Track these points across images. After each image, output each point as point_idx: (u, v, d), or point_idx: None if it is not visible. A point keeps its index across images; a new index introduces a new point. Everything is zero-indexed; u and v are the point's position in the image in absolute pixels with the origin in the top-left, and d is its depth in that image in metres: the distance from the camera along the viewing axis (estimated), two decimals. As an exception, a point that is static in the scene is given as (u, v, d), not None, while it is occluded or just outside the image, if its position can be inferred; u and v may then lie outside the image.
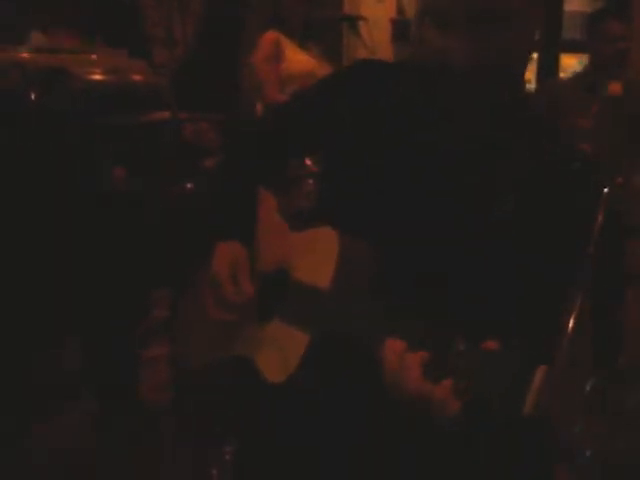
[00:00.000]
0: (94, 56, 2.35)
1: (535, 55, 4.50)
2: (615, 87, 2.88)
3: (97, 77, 2.32)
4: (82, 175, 2.20)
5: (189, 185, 2.42)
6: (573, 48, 5.00)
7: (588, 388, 0.75)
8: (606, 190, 2.67)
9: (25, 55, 2.24)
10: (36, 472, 2.17)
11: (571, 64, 5.55)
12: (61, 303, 2.33)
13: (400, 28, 4.08)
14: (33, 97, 2.01)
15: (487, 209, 0.97)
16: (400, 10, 4.29)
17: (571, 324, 2.16)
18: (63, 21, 2.32)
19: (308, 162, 1.30)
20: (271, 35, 2.86)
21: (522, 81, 1.07)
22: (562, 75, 4.99)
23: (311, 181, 1.56)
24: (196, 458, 2.24)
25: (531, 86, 5.71)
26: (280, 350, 1.04)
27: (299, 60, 2.92)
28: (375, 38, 3.84)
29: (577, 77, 3.36)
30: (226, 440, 2.10)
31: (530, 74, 5.71)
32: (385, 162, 1.04)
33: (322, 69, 2.99)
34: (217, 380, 1.32)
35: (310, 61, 2.96)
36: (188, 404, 2.39)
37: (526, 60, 1.01)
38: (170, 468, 2.24)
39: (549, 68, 4.35)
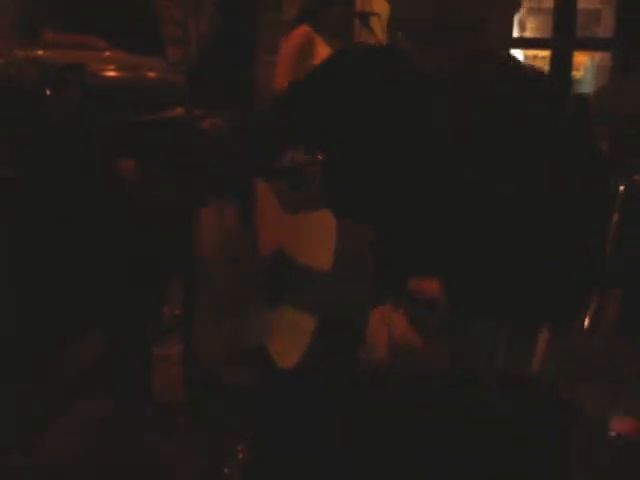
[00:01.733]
0: (109, 53, 2.35)
1: (548, 53, 4.49)
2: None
3: (112, 74, 2.32)
4: (97, 171, 2.20)
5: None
6: (586, 46, 4.97)
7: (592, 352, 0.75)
8: (622, 188, 2.65)
9: (41, 52, 2.24)
10: (50, 470, 2.18)
11: (583, 62, 5.53)
12: (78, 301, 2.33)
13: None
14: (49, 93, 2.01)
15: (487, 187, 0.96)
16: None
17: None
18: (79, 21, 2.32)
19: (306, 151, 1.31)
20: (304, 29, 2.85)
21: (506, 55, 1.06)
22: (575, 73, 4.97)
23: (310, 169, 1.57)
24: (208, 457, 2.24)
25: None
26: (289, 335, 1.04)
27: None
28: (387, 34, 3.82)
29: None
30: (239, 439, 2.10)
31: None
32: (381, 145, 1.04)
33: None
34: (233, 379, 1.32)
35: None
36: (201, 403, 2.39)
37: (506, 45, 1.03)
38: (183, 466, 2.24)
39: (562, 66, 4.32)
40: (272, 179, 1.20)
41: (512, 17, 0.99)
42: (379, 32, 3.46)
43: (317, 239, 1.03)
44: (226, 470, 2.14)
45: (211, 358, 1.26)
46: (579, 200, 0.96)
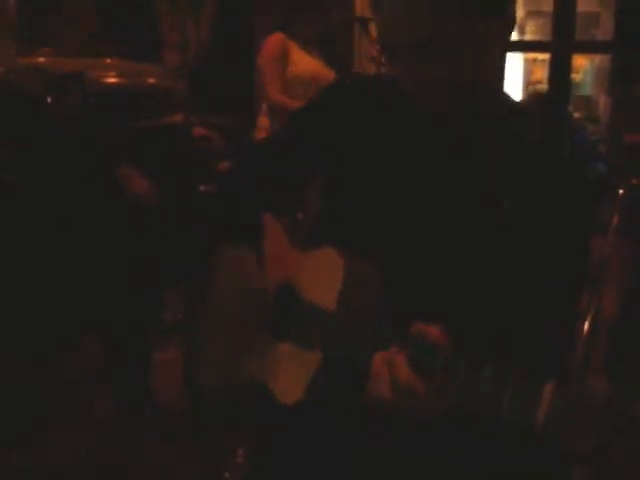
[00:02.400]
0: (109, 60, 2.36)
1: (547, 56, 4.48)
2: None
3: (112, 80, 2.33)
4: (97, 177, 2.21)
5: (202, 187, 2.43)
6: (585, 49, 4.98)
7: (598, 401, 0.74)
8: (621, 192, 2.65)
9: (42, 59, 2.25)
10: (51, 472, 2.18)
11: (583, 65, 5.54)
12: (78, 304, 2.34)
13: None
14: (50, 101, 2.03)
15: (486, 213, 0.96)
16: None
17: (585, 329, 2.16)
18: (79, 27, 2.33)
19: (308, 182, 1.30)
20: (277, 37, 2.88)
21: (496, 86, 1.05)
22: (574, 76, 4.97)
23: (312, 200, 1.56)
24: (209, 460, 2.24)
25: (543, 86, 5.69)
26: (291, 371, 1.04)
27: (304, 63, 2.94)
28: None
29: None
30: (239, 443, 2.11)
31: (542, 74, 5.70)
32: (381, 177, 1.04)
33: (325, 72, 3.01)
34: (233, 398, 1.31)
35: (314, 64, 2.98)
36: (201, 406, 2.39)
37: (493, 66, 0.97)
38: (183, 469, 2.25)
39: (561, 69, 4.32)
40: (279, 213, 1.19)
41: (495, 50, 0.96)
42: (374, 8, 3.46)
43: (323, 277, 1.03)
44: (227, 474, 2.14)
45: (214, 380, 1.25)
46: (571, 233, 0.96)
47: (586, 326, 2.11)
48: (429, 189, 1.00)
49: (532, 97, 5.14)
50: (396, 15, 0.89)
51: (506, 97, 1.07)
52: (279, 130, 1.34)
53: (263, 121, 3.03)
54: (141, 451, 2.27)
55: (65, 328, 2.39)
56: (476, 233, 0.96)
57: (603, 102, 4.87)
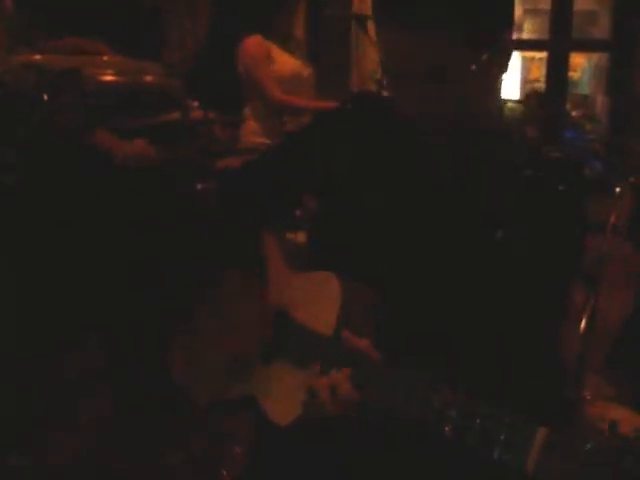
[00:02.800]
0: (106, 57, 2.36)
1: (545, 54, 4.49)
2: None
3: (109, 78, 2.32)
4: (96, 175, 2.20)
5: (200, 186, 2.42)
6: (582, 47, 4.98)
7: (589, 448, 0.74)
8: (618, 190, 2.65)
9: (39, 57, 2.24)
10: (51, 472, 2.18)
11: (580, 63, 5.53)
12: (78, 303, 2.34)
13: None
14: (46, 98, 2.02)
15: (481, 237, 0.97)
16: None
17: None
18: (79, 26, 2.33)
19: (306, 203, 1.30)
20: (256, 39, 2.90)
21: (495, 109, 1.04)
22: (571, 74, 4.97)
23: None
24: (207, 458, 2.24)
25: (540, 85, 5.70)
26: (284, 392, 1.04)
27: (286, 62, 2.96)
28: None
29: None
30: (236, 440, 2.10)
31: (539, 73, 5.70)
32: (375, 202, 1.04)
33: (306, 71, 3.04)
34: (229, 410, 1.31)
35: (296, 63, 3.00)
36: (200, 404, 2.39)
37: (493, 93, 0.99)
38: (183, 469, 2.25)
39: (558, 67, 4.33)
40: (279, 233, 1.20)
41: (497, 78, 0.96)
42: (375, 35, 3.48)
43: (320, 301, 1.03)
44: (224, 472, 2.14)
45: (208, 396, 1.25)
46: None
47: (583, 325, 2.11)
48: (427, 213, 1.01)
49: (530, 96, 5.14)
50: (399, 45, 0.89)
51: (505, 123, 1.08)
52: (275, 148, 1.33)
53: (252, 125, 3.02)
54: (141, 451, 2.27)
55: (65, 328, 2.39)
56: (471, 256, 0.96)
57: (601, 100, 4.87)
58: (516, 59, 6.52)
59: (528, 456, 0.76)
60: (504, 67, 0.95)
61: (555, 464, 0.75)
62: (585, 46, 4.96)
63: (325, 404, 0.94)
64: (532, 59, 6.28)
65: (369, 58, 4.59)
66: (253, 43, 2.90)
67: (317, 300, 1.04)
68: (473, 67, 0.89)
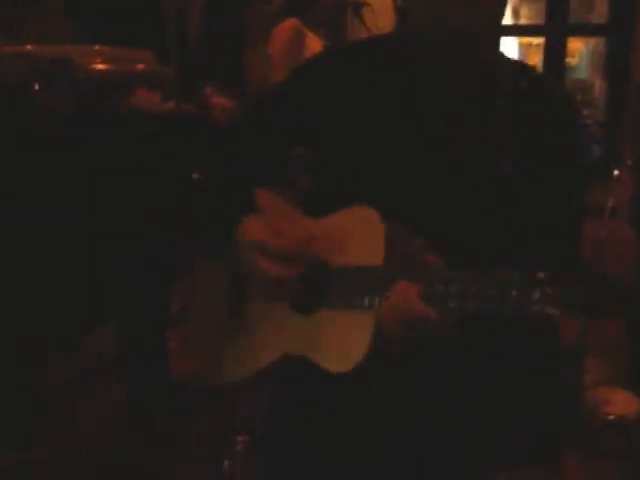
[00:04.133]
0: (97, 46, 2.34)
1: (542, 40, 4.46)
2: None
3: (101, 67, 2.31)
4: (90, 164, 2.20)
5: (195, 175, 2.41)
6: (580, 32, 4.95)
7: None
8: (616, 172, 2.64)
9: (30, 46, 2.23)
10: (52, 472, 2.18)
11: (578, 48, 5.51)
12: (78, 303, 2.33)
13: (404, 15, 4.04)
14: (37, 87, 2.01)
15: (489, 166, 0.99)
16: (404, -4, 4.24)
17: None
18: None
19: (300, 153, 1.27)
20: (292, 23, 2.82)
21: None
22: (569, 60, 4.95)
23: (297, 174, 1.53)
24: (209, 448, 2.25)
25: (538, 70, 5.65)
26: (340, 339, 1.01)
27: (318, 47, 2.89)
28: (379, 24, 3.82)
29: None
30: (238, 431, 2.10)
31: (537, 58, 5.67)
32: (379, 140, 1.04)
33: None
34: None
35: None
36: (200, 394, 2.39)
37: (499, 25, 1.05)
38: (182, 469, 2.25)
39: (556, 52, 4.31)
40: (273, 186, 1.14)
41: None
42: (370, 22, 3.46)
43: (361, 236, 1.01)
44: (226, 462, 2.14)
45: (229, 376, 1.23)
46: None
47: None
48: (425, 144, 1.02)
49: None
50: None
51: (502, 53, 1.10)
52: (258, 101, 1.32)
53: None
54: (141, 451, 2.28)
55: (65, 327, 2.39)
56: (478, 189, 0.98)
57: (599, 85, 4.85)
58: (513, 46, 6.49)
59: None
60: None
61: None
62: (582, 31, 4.93)
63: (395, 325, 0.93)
64: (529, 45, 6.25)
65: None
66: (285, 28, 2.81)
67: (356, 235, 1.02)
68: None
